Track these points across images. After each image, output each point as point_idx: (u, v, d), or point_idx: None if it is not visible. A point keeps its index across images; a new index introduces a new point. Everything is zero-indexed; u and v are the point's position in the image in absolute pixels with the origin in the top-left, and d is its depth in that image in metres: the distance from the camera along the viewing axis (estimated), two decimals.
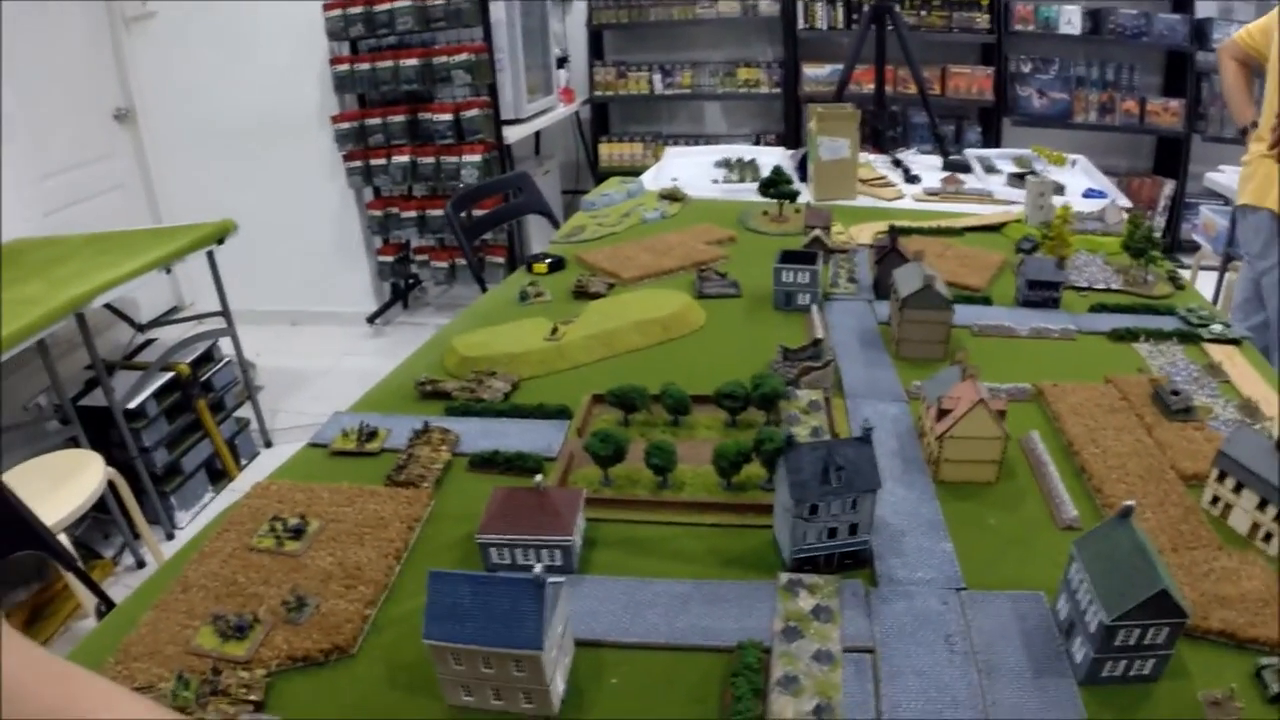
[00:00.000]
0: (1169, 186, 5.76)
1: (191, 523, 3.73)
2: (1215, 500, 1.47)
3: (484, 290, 3.29)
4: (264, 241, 4.33)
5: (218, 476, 3.98)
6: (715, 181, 3.49)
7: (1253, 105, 3.48)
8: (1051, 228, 2.52)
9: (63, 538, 2.57)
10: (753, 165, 3.64)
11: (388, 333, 5.35)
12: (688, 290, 2.32)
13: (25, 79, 4.20)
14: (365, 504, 1.45)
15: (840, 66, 5.65)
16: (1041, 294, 2.27)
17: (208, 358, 3.99)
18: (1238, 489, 1.43)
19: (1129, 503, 1.18)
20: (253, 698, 1.13)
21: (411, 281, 5.53)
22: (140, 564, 3.47)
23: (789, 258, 2.25)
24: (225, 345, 4.09)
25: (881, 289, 2.31)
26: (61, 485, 2.84)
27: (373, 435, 1.66)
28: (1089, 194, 3.26)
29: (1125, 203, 3.21)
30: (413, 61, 4.60)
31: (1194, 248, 5.09)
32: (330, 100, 4.98)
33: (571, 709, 1.11)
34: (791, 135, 5.94)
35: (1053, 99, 5.69)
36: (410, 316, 5.55)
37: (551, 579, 1.05)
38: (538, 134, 5.59)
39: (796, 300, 2.25)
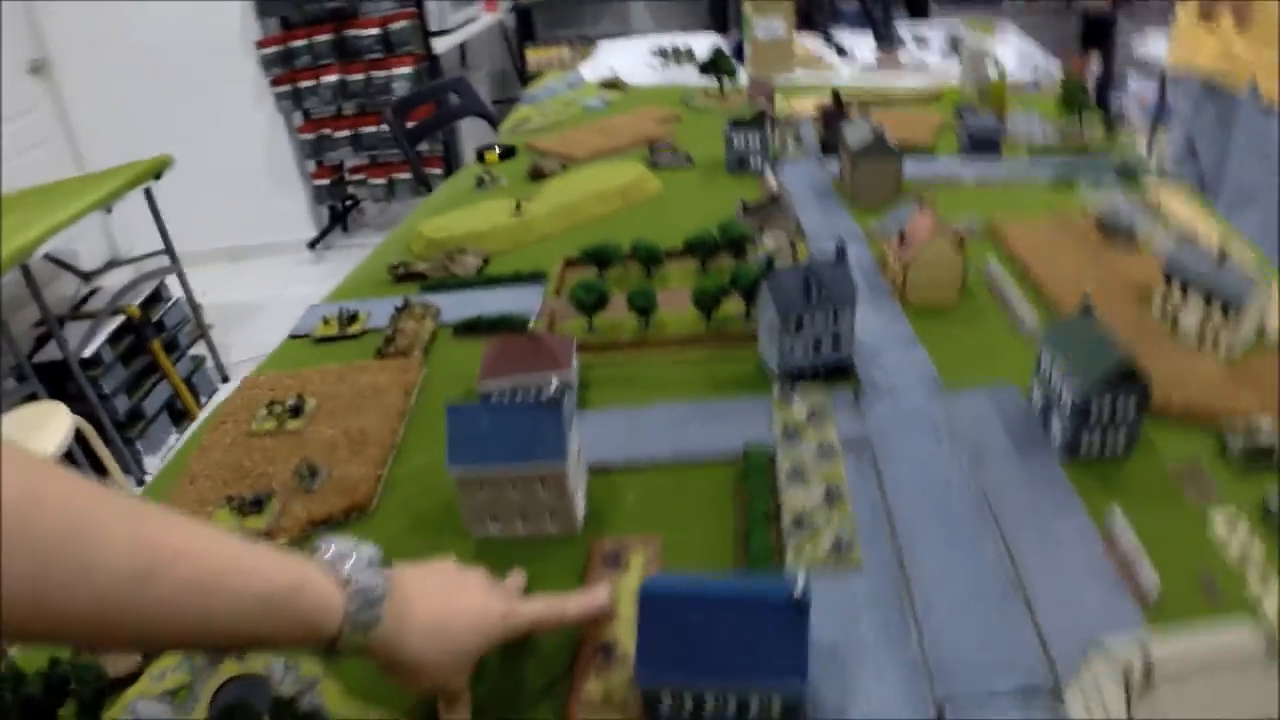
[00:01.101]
0: (1096, 62, 5.80)
1: (161, 466, 3.70)
2: (1164, 310, 1.54)
3: (429, 189, 3.29)
4: (196, 180, 4.21)
5: (179, 417, 3.95)
6: (653, 68, 3.47)
7: None
8: (988, 88, 2.59)
9: None
10: (688, 52, 3.62)
11: (330, 257, 5.29)
12: (634, 163, 2.34)
13: None
14: (358, 378, 1.47)
15: None
16: (983, 144, 2.34)
17: (156, 298, 3.93)
18: (1184, 296, 1.50)
19: (1088, 293, 1.26)
20: None
21: (349, 203, 5.45)
22: None
23: (738, 124, 2.28)
24: (172, 285, 4.03)
25: (829, 148, 2.36)
26: (27, 438, 2.80)
27: (353, 318, 1.67)
28: (1021, 60, 3.32)
29: (1056, 70, 3.26)
30: None
31: (1125, 121, 5.16)
32: (251, 26, 4.84)
33: (594, 527, 1.15)
34: (720, 29, 5.89)
35: None
36: (351, 239, 5.48)
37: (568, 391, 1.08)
38: (463, 45, 5.49)
39: (749, 164, 2.29)
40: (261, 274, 5.17)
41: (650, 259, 1.71)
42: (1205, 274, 1.46)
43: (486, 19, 5.59)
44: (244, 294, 4.90)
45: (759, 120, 2.29)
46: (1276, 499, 1.08)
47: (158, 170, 3.77)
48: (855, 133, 2.09)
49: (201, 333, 4.14)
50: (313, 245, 5.31)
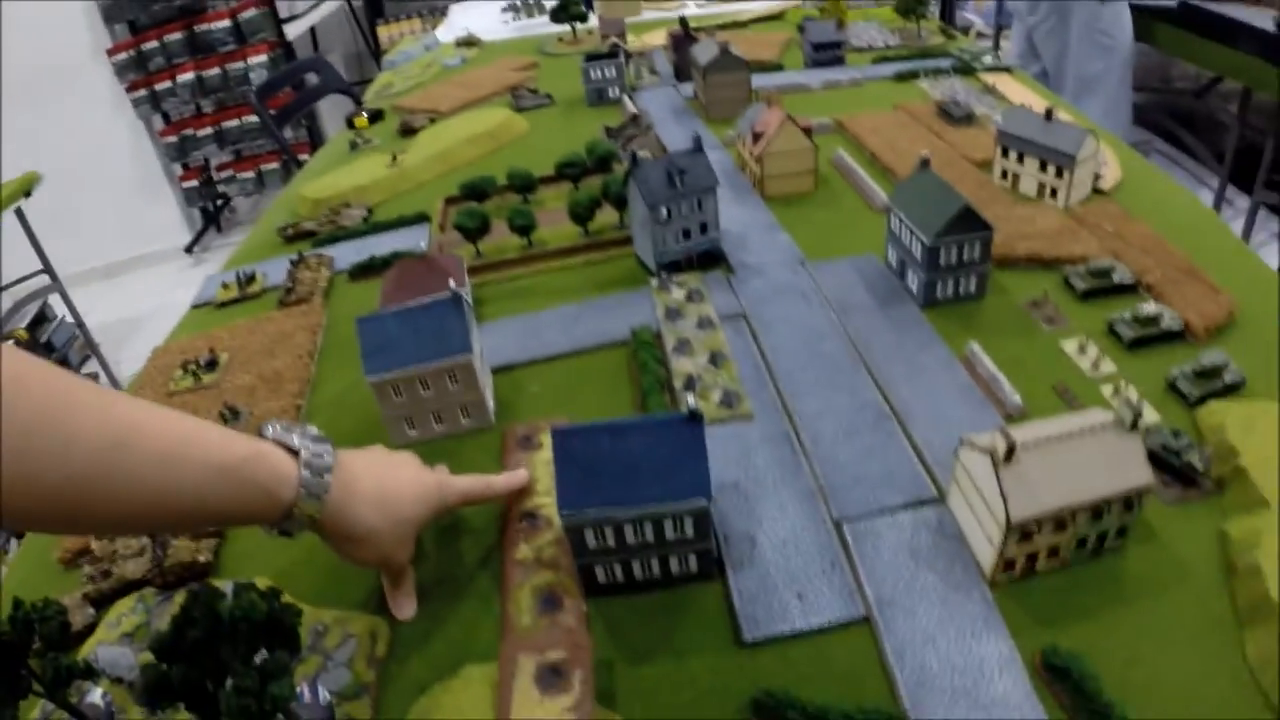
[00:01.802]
0: None
1: None
2: (1004, 175, 1.71)
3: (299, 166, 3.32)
4: (63, 199, 4.12)
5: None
6: (506, 24, 3.54)
7: None
8: (827, 2, 2.74)
9: None
10: (539, 4, 3.70)
11: (208, 259, 5.23)
12: (498, 109, 2.43)
13: None
14: (265, 329, 1.55)
15: None
16: (826, 54, 2.50)
17: (41, 319, 3.88)
18: (1020, 159, 1.66)
19: (925, 153, 1.40)
20: None
21: (221, 202, 5.40)
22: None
23: (593, 59, 2.38)
24: (55, 305, 3.97)
25: (682, 74, 2.49)
26: None
27: (250, 279, 1.73)
28: None
29: None
30: None
31: (969, 32, 5.38)
32: (100, 34, 4.74)
33: (504, 418, 1.26)
34: None
35: None
36: (227, 239, 5.43)
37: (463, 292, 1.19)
38: (313, 30, 5.45)
39: (607, 95, 2.40)
40: (142, 285, 5.09)
41: (525, 186, 1.81)
42: (1037, 136, 1.62)
43: (334, 2, 5.56)
44: (128, 308, 4.82)
45: (613, 54, 2.40)
46: (1120, 321, 1.25)
47: (27, 188, 3.71)
48: (704, 52, 2.22)
49: (91, 349, 4.10)
50: (189, 249, 5.25)
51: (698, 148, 1.49)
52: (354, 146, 2.36)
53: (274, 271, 1.77)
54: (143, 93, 4.76)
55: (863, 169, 1.82)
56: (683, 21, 2.54)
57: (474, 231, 1.60)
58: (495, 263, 1.60)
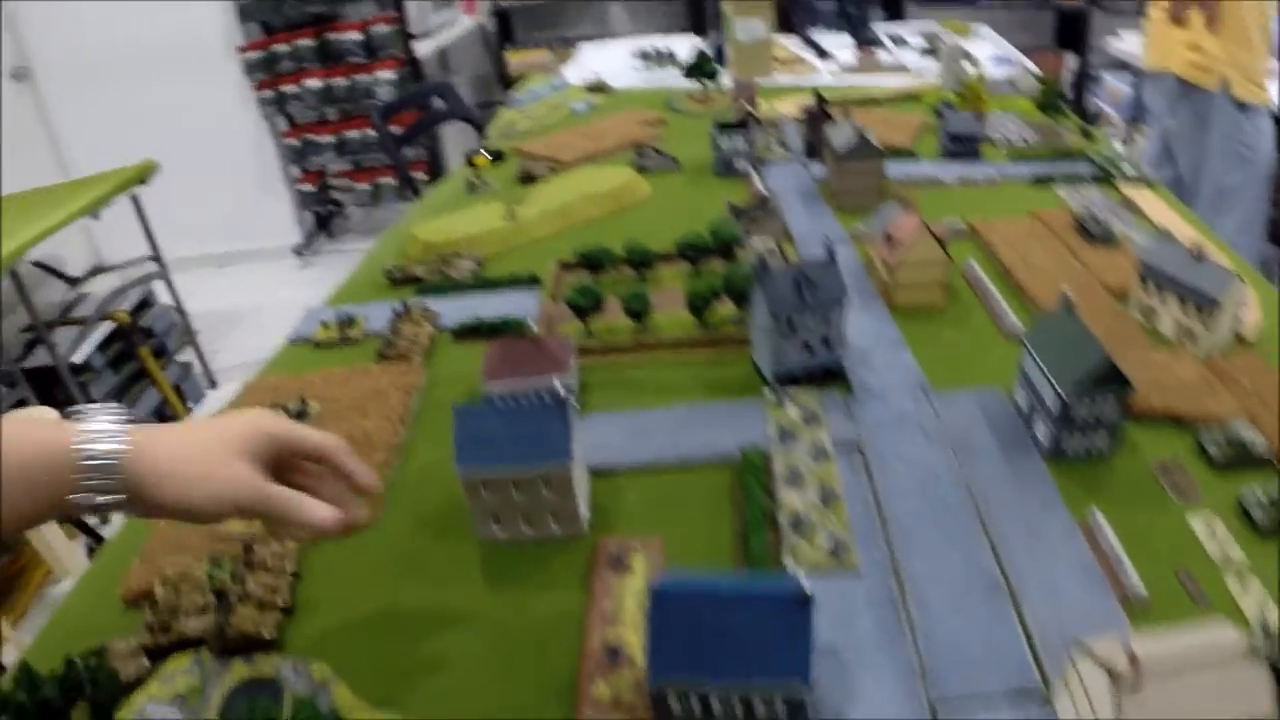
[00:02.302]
0: (1071, 60, 5.85)
1: None
2: (1142, 308, 1.59)
3: (416, 193, 3.31)
4: (180, 187, 4.17)
5: (167, 422, 3.95)
6: (636, 71, 3.50)
7: None
8: (967, 88, 2.64)
9: None
10: (670, 54, 3.66)
11: (316, 262, 5.31)
12: (628, 167, 2.37)
13: None
14: (360, 382, 1.50)
15: None
16: (963, 146, 2.39)
17: (144, 304, 3.94)
18: (1162, 295, 1.54)
19: (1067, 291, 1.29)
20: (289, 567, 1.17)
21: (333, 208, 5.46)
22: (104, 520, 3.45)
23: (725, 127, 2.32)
24: (160, 292, 4.03)
25: (813, 151, 2.40)
26: None
27: (351, 323, 1.69)
28: (998, 60, 3.36)
29: (1033, 68, 3.32)
30: None
31: (1100, 118, 5.22)
32: (234, 30, 4.85)
33: (598, 528, 1.18)
34: (699, 30, 5.91)
35: None
36: (336, 244, 5.50)
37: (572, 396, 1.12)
38: (444, 49, 5.50)
39: (735, 166, 2.32)
40: (247, 280, 5.18)
41: (642, 262, 1.74)
42: (1180, 273, 1.50)
43: (466, 22, 5.61)
44: (230, 300, 4.91)
45: (744, 123, 2.33)
46: (1253, 498, 1.13)
47: (143, 176, 3.78)
48: (839, 135, 2.13)
49: (189, 339, 4.15)
50: (299, 251, 5.32)
51: (830, 258, 1.40)
52: (472, 188, 2.32)
53: (375, 316, 1.72)
54: (269, 93, 4.85)
55: (994, 284, 1.71)
56: (819, 97, 2.45)
57: (585, 310, 1.53)
58: (605, 346, 1.53)
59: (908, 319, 1.62)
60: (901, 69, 3.33)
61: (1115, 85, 4.97)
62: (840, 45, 3.70)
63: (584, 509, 1.17)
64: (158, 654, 1.08)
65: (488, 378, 1.33)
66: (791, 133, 2.62)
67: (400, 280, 1.86)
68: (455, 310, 1.70)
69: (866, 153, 2.09)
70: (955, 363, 1.49)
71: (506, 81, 6.09)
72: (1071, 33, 5.81)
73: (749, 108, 2.60)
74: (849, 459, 1.27)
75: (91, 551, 1.87)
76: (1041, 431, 1.27)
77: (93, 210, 3.52)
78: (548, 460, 1.09)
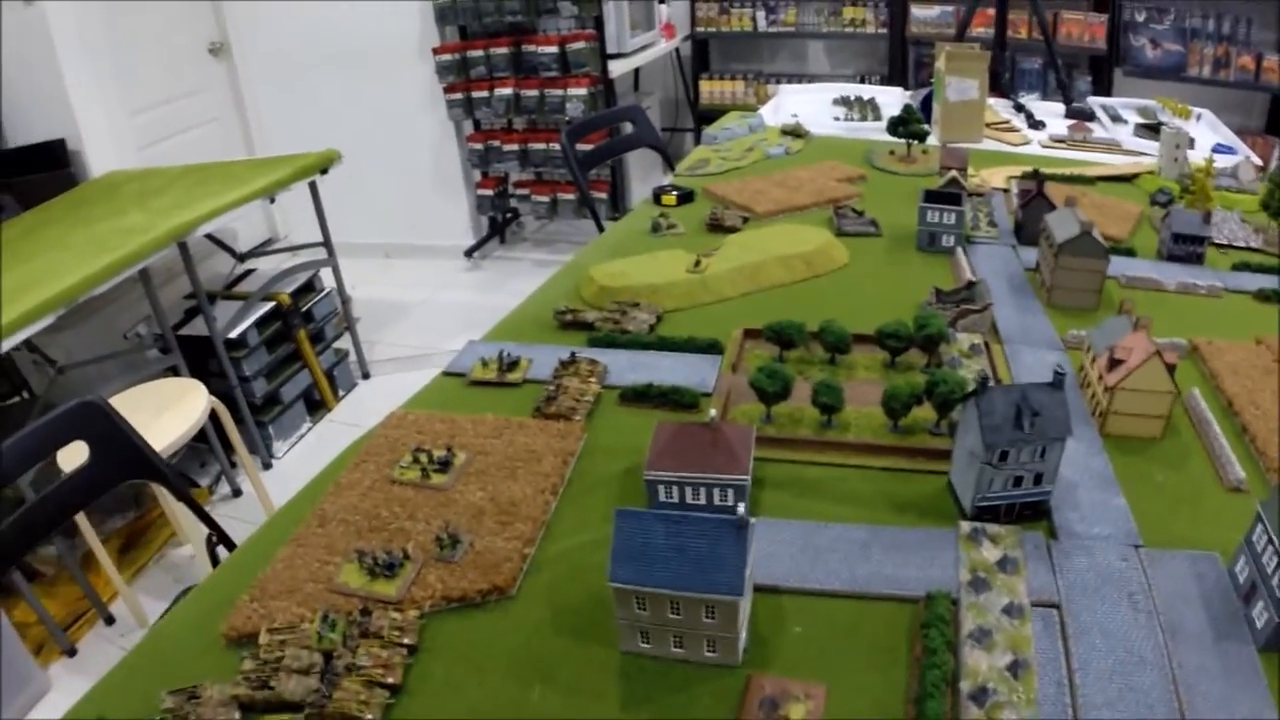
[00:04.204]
0: None
1: (289, 452, 3.71)
2: None
3: (598, 223, 3.21)
4: (359, 174, 4.21)
5: (315, 407, 3.95)
6: (836, 119, 3.33)
7: None
8: (1194, 181, 2.39)
9: None
10: (872, 104, 3.47)
11: (485, 267, 5.27)
12: (824, 226, 2.21)
13: (118, 13, 4.16)
14: (514, 436, 1.37)
15: (949, 8, 5.44)
16: (1186, 248, 2.15)
17: (308, 288, 3.94)
18: None
19: None
20: (406, 640, 1.06)
21: (510, 216, 5.44)
22: (237, 492, 3.46)
23: (933, 197, 2.12)
24: (325, 277, 4.04)
25: (1025, 233, 2.19)
26: (165, 412, 2.82)
27: (514, 365, 1.57)
28: (1218, 149, 3.08)
29: (1257, 160, 3.03)
30: None
31: None
32: (430, 31, 4.86)
33: (755, 659, 1.03)
34: (897, 76, 5.70)
35: (1166, 50, 5.38)
36: (507, 251, 5.46)
37: (751, 520, 0.95)
38: (637, 71, 5.43)
39: (940, 241, 2.13)
40: (414, 274, 5.19)
41: (837, 346, 1.57)
42: None
43: (663, 45, 5.52)
44: (394, 292, 4.92)
45: (955, 196, 2.13)
46: None
47: (325, 164, 3.78)
48: (1060, 224, 1.92)
49: (349, 327, 4.14)
50: (469, 253, 5.30)
51: (1058, 384, 1.21)
52: (656, 229, 2.18)
53: (539, 360, 1.60)
54: (459, 96, 4.83)
55: (1217, 421, 1.47)
56: (1037, 176, 2.23)
57: (771, 396, 1.37)
58: (787, 438, 1.36)
59: (1119, 449, 1.42)
60: (1115, 145, 3.08)
61: None
62: (1050, 113, 3.45)
63: (743, 636, 1.01)
64: (250, 708, 1.01)
65: (653, 465, 1.18)
66: (999, 207, 2.41)
67: (570, 324, 1.73)
68: (625, 366, 1.57)
69: (1089, 250, 1.87)
70: (1169, 513, 1.29)
71: (697, 108, 6.00)
72: None
73: (958, 177, 2.40)
74: (1045, 619, 1.09)
75: (212, 546, 1.80)
76: (1261, 617, 1.07)
77: (270, 193, 3.53)
78: (716, 589, 0.93)
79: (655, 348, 1.64)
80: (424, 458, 1.31)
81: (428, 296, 4.92)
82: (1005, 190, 2.56)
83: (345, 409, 3.99)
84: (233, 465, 3.47)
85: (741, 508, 0.94)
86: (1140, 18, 5.39)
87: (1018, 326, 1.78)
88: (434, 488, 1.27)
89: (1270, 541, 1.07)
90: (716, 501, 1.19)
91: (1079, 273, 1.89)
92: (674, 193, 2.39)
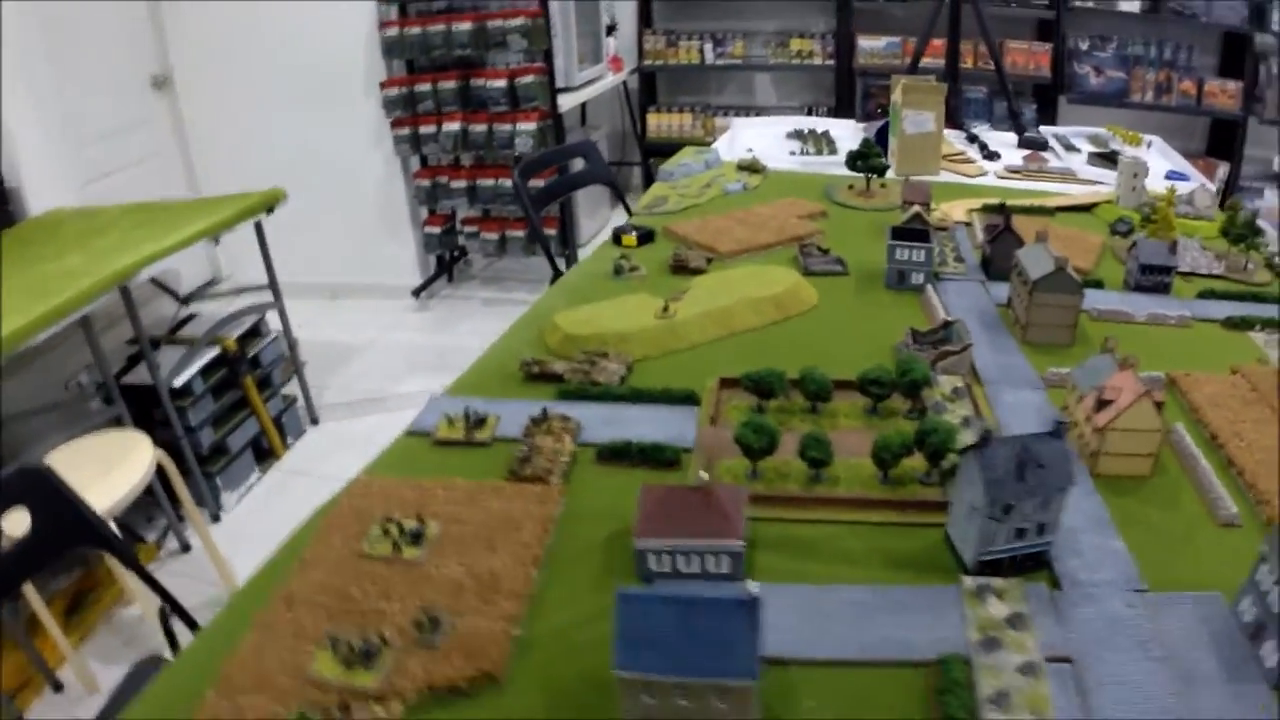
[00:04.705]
0: (1223, 169, 5.58)
1: (238, 504, 3.58)
2: None
3: (551, 262, 3.15)
4: (304, 211, 4.01)
5: (263, 456, 3.83)
6: (792, 154, 3.30)
7: None
8: (1156, 210, 2.41)
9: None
10: (826, 137, 3.46)
11: (433, 306, 5.16)
12: (790, 266, 2.17)
13: (59, 45, 4.04)
14: (488, 502, 1.30)
15: (895, 39, 5.49)
16: (1154, 278, 2.15)
17: (254, 333, 3.82)
18: None
19: None
20: None
21: (457, 254, 5.34)
22: (185, 547, 3.33)
23: (901, 234, 2.09)
24: (271, 319, 3.92)
25: (994, 268, 2.17)
26: (110, 469, 2.69)
27: (481, 422, 1.50)
28: (1171, 175, 3.11)
29: (1210, 186, 3.07)
30: (466, 25, 4.40)
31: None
32: (376, 65, 4.77)
33: None
34: (845, 107, 5.75)
35: (1110, 77, 5.50)
36: (455, 290, 5.35)
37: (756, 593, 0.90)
38: (584, 104, 5.40)
39: (910, 279, 2.10)
40: (361, 315, 5.06)
41: (819, 394, 1.52)
42: None
43: (611, 79, 5.50)
44: (341, 334, 4.79)
45: (923, 233, 2.10)
46: None
47: (270, 204, 3.69)
48: (1033, 261, 1.90)
49: (296, 372, 4.03)
50: (417, 292, 5.19)
51: (1058, 433, 1.19)
52: (619, 271, 2.12)
53: (508, 417, 1.53)
54: (406, 131, 4.75)
55: (1204, 455, 1.46)
56: (1005, 211, 2.22)
57: (758, 451, 1.32)
58: (775, 496, 1.31)
59: (1111, 490, 1.40)
60: (1070, 175, 3.10)
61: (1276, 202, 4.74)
62: (1003, 143, 3.47)
63: (756, 716, 0.95)
64: None
65: (643, 533, 1.12)
66: (963, 241, 2.39)
67: (537, 376, 1.66)
68: (599, 422, 1.50)
69: (1064, 286, 1.85)
70: (1167, 553, 1.27)
71: (644, 142, 5.98)
72: (1225, 142, 5.57)
73: (921, 212, 2.38)
74: (1059, 675, 1.05)
75: (165, 617, 1.70)
76: (1271, 656, 1.05)
77: (215, 234, 3.43)
78: (729, 674, 0.87)
79: (628, 400, 1.58)
80: (394, 529, 1.23)
81: (375, 338, 4.81)
82: (968, 224, 2.54)
83: (294, 457, 3.87)
84: (180, 519, 3.34)
85: (752, 585, 0.88)
86: (1084, 46, 5.49)
87: (995, 366, 1.75)
88: (407, 562, 1.19)
89: (1277, 581, 1.05)
90: (711, 569, 1.13)
91: (1054, 309, 1.87)
92: (634, 233, 2.34)
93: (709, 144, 3.48)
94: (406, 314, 5.09)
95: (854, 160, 2.75)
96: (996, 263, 2.16)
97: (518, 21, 4.31)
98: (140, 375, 3.34)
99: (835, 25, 5.67)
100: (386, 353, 4.65)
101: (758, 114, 5.77)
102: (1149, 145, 3.58)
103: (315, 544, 1.26)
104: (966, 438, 1.40)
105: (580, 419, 1.50)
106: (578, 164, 3.51)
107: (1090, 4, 5.37)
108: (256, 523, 3.43)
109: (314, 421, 4.10)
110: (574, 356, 1.69)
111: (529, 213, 3.05)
